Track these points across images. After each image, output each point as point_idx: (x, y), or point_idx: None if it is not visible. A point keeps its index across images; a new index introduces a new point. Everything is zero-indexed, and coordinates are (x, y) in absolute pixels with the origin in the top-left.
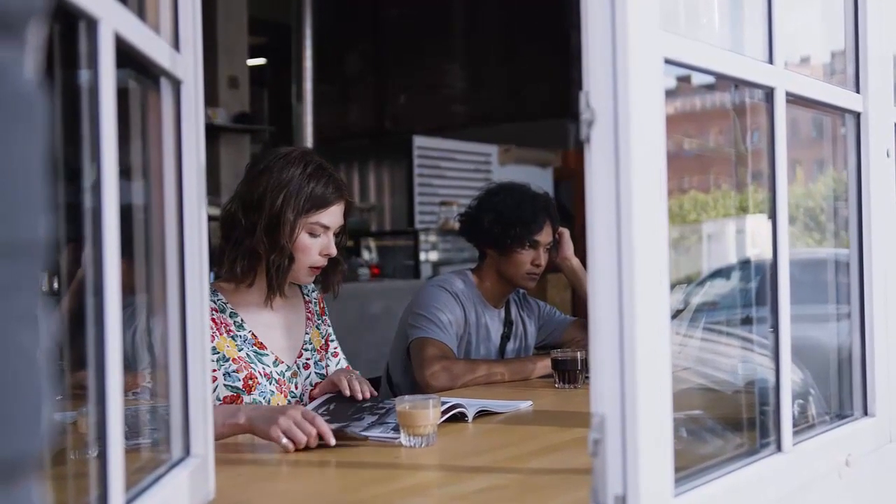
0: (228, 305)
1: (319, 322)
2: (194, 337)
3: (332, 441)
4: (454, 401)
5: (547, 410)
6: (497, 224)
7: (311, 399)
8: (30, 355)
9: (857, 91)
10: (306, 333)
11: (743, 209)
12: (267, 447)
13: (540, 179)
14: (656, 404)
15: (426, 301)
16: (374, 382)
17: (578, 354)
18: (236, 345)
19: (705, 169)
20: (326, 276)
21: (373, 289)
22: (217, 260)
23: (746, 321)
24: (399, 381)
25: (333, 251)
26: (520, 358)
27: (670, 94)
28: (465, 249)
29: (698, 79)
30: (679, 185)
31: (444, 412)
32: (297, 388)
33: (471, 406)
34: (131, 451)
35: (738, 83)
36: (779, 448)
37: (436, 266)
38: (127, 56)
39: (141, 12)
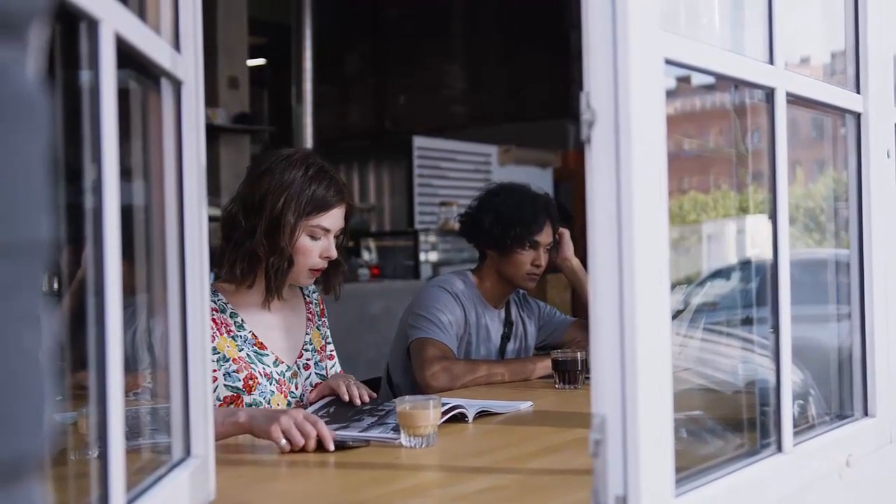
0: (229, 306)
1: (319, 323)
2: (195, 337)
3: (331, 447)
4: (454, 401)
5: (547, 411)
6: (497, 224)
7: (309, 403)
8: (31, 356)
9: (858, 91)
10: (307, 334)
11: (743, 210)
12: (267, 448)
13: (540, 180)
14: (657, 405)
15: (426, 301)
16: (375, 383)
17: (579, 355)
18: (237, 345)
19: (705, 169)
20: (327, 278)
21: (373, 289)
22: (217, 261)
23: (746, 321)
24: (399, 381)
25: (334, 254)
26: (520, 358)
27: (670, 94)
28: (465, 250)
29: (698, 79)
30: (679, 186)
31: (444, 413)
32: (297, 388)
33: (471, 406)
34: (132, 451)
35: (739, 83)
36: (779, 448)
37: (436, 266)
38: (128, 56)
39: (142, 13)
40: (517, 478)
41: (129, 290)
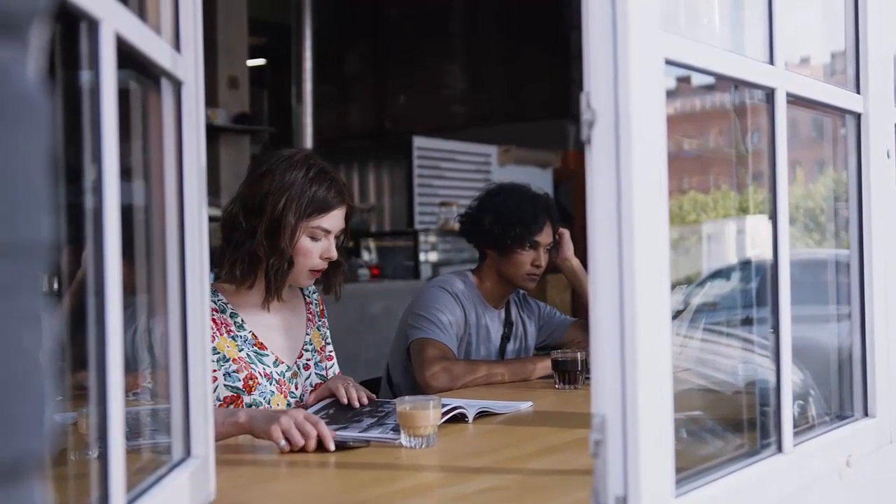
0: (229, 306)
1: (320, 323)
2: (195, 338)
3: (332, 446)
4: (455, 402)
5: (547, 411)
6: (497, 225)
7: (308, 406)
8: (32, 356)
9: (858, 92)
10: (307, 334)
11: (743, 210)
12: (267, 448)
13: (540, 180)
14: (657, 405)
15: (426, 302)
16: (375, 383)
17: (579, 355)
18: (237, 345)
19: (705, 169)
20: (328, 278)
21: (373, 289)
22: (217, 261)
23: (746, 322)
24: (399, 381)
25: (334, 255)
26: (520, 359)
27: (670, 94)
28: (464, 250)
29: (698, 79)
30: (679, 186)
31: (444, 413)
32: (297, 388)
33: (471, 407)
34: (132, 451)
35: (739, 84)
36: (779, 449)
37: (436, 267)
38: (128, 57)
39: (142, 13)
40: (517, 478)
41: (129, 290)
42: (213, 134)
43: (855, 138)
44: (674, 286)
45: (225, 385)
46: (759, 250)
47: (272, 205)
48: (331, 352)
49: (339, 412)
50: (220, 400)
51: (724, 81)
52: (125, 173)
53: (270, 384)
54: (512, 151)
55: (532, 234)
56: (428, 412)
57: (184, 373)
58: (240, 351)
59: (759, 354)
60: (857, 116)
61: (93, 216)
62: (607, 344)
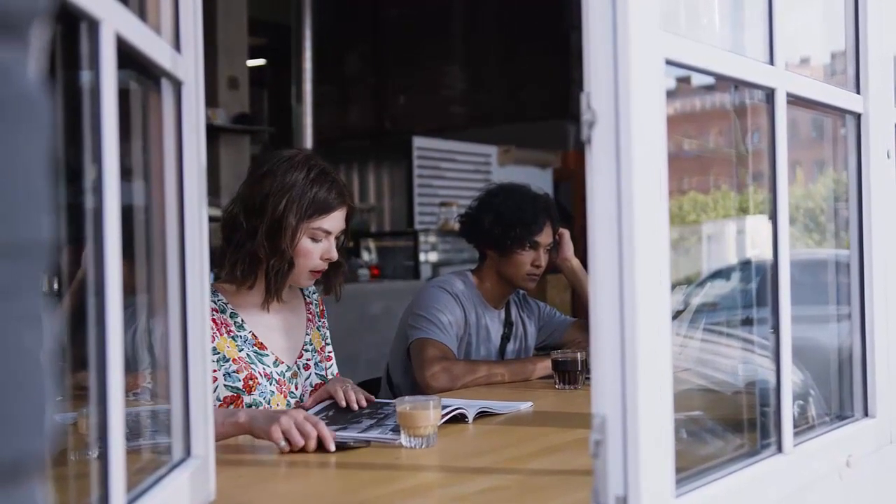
0: (229, 306)
1: (320, 324)
2: (195, 338)
3: (332, 447)
4: (455, 402)
5: (547, 411)
6: (497, 225)
7: (306, 409)
8: (32, 356)
9: (858, 92)
10: (307, 334)
11: (743, 210)
12: (267, 448)
13: (539, 180)
14: (657, 405)
15: (426, 302)
16: (374, 383)
17: (579, 355)
18: (237, 345)
19: (705, 170)
20: (328, 279)
21: (373, 289)
22: (218, 261)
23: (746, 322)
24: (399, 381)
25: (335, 256)
26: (520, 359)
27: (670, 94)
28: (464, 250)
29: (698, 79)
30: (679, 186)
31: (444, 413)
32: (297, 388)
33: (471, 407)
34: (132, 451)
35: (739, 84)
36: (779, 449)
37: (435, 267)
38: (128, 57)
39: (142, 13)
40: (517, 478)
41: (129, 290)
42: (213, 134)
43: (855, 138)
44: (674, 286)
45: (225, 385)
46: (759, 250)
47: (273, 206)
48: (330, 352)
49: (339, 414)
50: (220, 400)
51: (724, 81)
52: (125, 173)
53: (270, 384)
54: (512, 152)
55: (532, 235)
56: (428, 412)
57: (184, 373)
58: (240, 351)
59: (759, 354)
60: (857, 116)
61: (93, 216)
62: (607, 344)
